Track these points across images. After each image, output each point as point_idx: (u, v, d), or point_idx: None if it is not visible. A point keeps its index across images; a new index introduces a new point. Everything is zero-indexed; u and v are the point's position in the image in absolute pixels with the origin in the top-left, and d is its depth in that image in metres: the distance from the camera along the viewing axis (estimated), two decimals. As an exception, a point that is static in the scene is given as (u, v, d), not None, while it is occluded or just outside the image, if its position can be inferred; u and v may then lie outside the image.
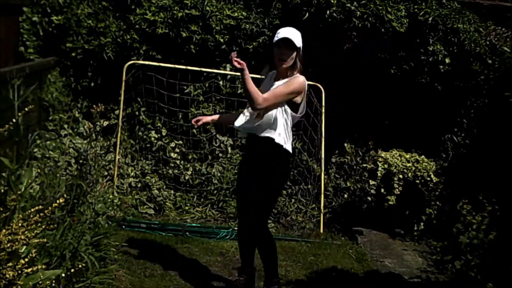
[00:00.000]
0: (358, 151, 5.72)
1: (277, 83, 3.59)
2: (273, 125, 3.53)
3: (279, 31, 3.56)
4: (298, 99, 3.57)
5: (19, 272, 2.25)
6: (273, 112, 3.53)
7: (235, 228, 4.95)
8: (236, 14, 5.57)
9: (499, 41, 5.45)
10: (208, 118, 3.93)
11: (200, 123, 3.86)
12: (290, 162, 3.84)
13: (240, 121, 3.65)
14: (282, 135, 3.54)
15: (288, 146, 3.58)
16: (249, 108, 3.59)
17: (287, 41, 3.48)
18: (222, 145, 5.66)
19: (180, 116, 5.67)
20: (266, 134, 3.54)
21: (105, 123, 5.53)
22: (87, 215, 3.53)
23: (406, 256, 4.90)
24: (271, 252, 3.77)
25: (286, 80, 3.57)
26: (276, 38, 3.52)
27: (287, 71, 3.58)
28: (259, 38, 5.59)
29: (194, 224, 5.09)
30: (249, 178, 3.69)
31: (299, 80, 3.54)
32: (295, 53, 3.52)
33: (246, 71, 3.39)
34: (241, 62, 3.36)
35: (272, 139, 3.52)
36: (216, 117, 4.01)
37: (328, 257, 4.70)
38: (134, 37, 5.61)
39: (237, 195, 4.00)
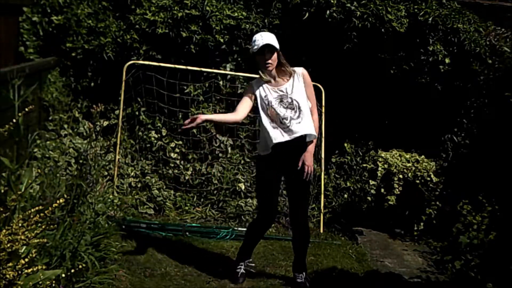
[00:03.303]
0: (358, 151, 5.72)
1: (287, 85, 3.78)
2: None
3: (255, 38, 3.71)
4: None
5: (19, 272, 2.25)
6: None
7: (235, 228, 4.99)
8: (236, 14, 5.57)
9: (499, 41, 5.45)
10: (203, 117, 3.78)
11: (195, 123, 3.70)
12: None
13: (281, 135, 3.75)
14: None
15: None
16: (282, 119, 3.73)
17: (269, 47, 3.67)
18: (222, 145, 5.66)
19: (180, 116, 5.67)
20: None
21: (105, 123, 5.53)
22: (87, 215, 3.53)
23: (406, 256, 4.90)
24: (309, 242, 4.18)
25: (295, 78, 3.80)
26: (255, 47, 3.67)
27: (279, 71, 3.78)
28: (259, 38, 5.59)
29: (194, 224, 5.09)
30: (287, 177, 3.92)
31: (303, 71, 3.85)
32: (276, 54, 3.71)
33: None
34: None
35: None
36: (211, 117, 3.99)
37: (328, 257, 4.70)
38: (134, 37, 5.61)
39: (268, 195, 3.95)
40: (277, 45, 3.68)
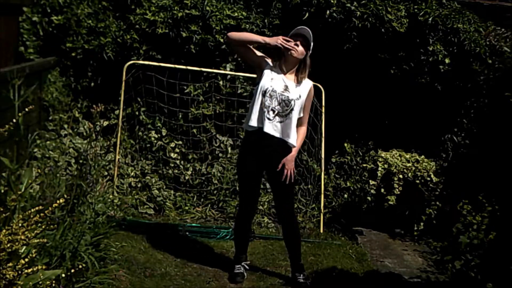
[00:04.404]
0: (358, 151, 5.72)
1: (293, 86, 3.85)
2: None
3: (297, 28, 3.84)
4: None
5: (19, 272, 2.25)
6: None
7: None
8: (236, 14, 5.57)
9: (499, 41, 5.45)
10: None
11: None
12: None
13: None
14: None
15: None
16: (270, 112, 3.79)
17: (304, 38, 3.77)
18: (222, 145, 5.66)
19: (180, 116, 5.67)
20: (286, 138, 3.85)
21: (105, 123, 5.53)
22: (87, 215, 3.52)
23: (406, 256, 4.90)
24: (300, 239, 4.21)
25: (303, 86, 3.88)
26: (294, 32, 3.82)
27: (295, 69, 3.87)
28: (259, 38, 5.59)
29: (194, 224, 5.09)
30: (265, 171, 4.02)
31: (312, 87, 3.95)
32: (304, 51, 3.81)
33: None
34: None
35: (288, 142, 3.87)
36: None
37: (328, 257, 4.70)
38: (134, 37, 5.61)
39: (248, 186, 4.04)
40: (311, 43, 3.81)
